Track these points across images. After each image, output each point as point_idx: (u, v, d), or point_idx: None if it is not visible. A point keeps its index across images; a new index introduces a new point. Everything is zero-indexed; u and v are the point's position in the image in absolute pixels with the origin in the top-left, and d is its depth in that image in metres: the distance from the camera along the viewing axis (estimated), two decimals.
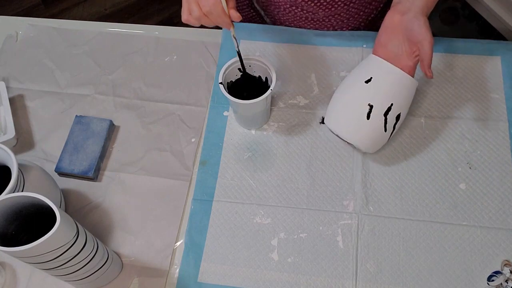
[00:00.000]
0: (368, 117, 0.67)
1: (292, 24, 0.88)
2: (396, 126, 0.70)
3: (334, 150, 0.76)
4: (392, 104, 0.67)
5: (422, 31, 0.64)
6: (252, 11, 0.93)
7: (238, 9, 0.93)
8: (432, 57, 0.64)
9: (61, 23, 0.93)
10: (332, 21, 0.85)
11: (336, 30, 0.87)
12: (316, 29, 0.87)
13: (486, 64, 0.82)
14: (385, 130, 0.69)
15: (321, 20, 0.85)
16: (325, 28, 0.87)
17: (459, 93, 0.80)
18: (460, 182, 0.72)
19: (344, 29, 0.87)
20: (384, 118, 0.68)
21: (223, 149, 0.77)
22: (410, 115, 0.78)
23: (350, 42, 0.84)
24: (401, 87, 0.68)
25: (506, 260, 0.67)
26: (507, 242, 0.68)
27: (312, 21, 0.85)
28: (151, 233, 0.71)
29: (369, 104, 0.67)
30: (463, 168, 0.74)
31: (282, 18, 0.88)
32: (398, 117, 0.69)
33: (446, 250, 0.68)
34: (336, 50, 0.85)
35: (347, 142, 0.73)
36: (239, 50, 0.69)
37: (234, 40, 0.68)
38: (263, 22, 0.93)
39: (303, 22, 0.86)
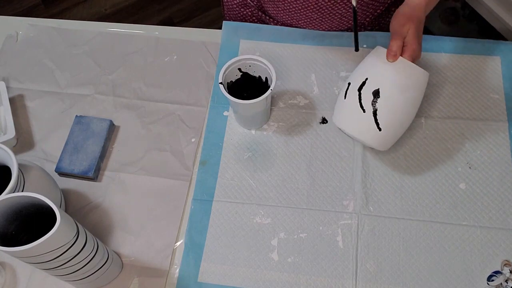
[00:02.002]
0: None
1: (292, 20, 0.87)
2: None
3: (334, 150, 0.76)
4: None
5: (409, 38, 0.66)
6: (242, 9, 0.92)
7: (230, 8, 0.93)
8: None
9: (61, 23, 0.93)
10: (341, 9, 0.82)
11: (342, 24, 0.86)
12: (321, 23, 0.86)
13: (486, 64, 0.82)
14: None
15: (325, 8, 0.82)
16: (330, 24, 0.86)
17: (459, 93, 0.80)
18: (460, 182, 0.73)
19: (350, 23, 0.86)
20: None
21: (223, 149, 0.77)
22: None
23: (350, 42, 0.84)
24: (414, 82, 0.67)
25: (506, 260, 0.67)
26: (507, 242, 0.68)
27: (317, 10, 0.83)
28: (151, 233, 0.71)
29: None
30: (463, 168, 0.74)
31: (279, 13, 0.87)
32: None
33: (446, 250, 0.68)
34: (336, 50, 0.85)
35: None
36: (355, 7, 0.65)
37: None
38: (258, 18, 0.92)
39: (304, 12, 0.84)
